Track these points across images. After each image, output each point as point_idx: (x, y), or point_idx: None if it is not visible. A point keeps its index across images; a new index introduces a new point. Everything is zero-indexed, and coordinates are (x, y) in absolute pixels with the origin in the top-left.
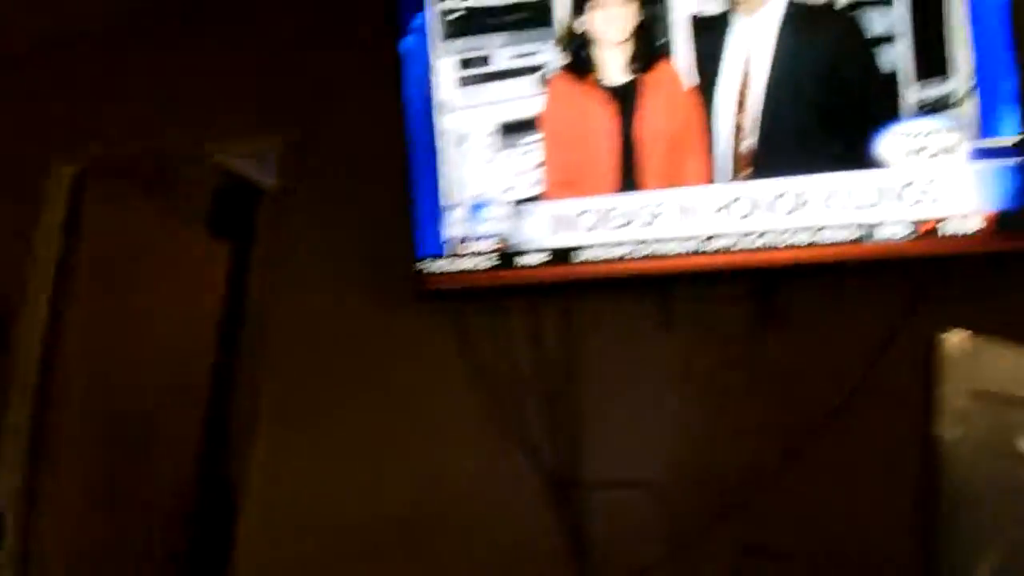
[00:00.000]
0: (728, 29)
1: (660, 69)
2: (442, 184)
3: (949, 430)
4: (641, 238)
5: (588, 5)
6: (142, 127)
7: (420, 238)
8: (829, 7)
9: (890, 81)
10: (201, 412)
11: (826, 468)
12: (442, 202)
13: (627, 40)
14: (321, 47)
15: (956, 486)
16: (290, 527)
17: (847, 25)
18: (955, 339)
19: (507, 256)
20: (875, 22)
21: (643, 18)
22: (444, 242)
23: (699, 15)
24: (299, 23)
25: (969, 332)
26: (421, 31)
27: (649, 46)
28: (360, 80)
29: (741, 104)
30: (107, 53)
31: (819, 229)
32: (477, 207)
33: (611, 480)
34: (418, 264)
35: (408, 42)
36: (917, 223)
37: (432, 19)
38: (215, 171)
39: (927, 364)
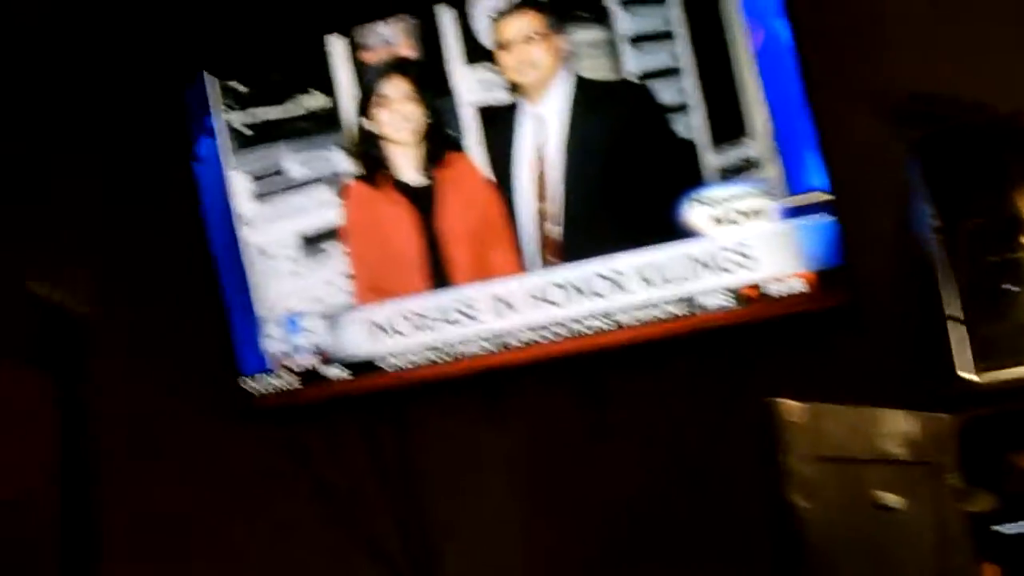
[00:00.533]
0: (517, 116)
1: (455, 163)
2: (254, 298)
3: (801, 497)
4: (460, 337)
5: (373, 105)
6: None
7: (241, 354)
8: (619, 81)
9: (688, 149)
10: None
11: (675, 549)
12: (257, 315)
13: (418, 138)
14: (120, 171)
15: (818, 549)
16: None
17: (639, 96)
18: (790, 406)
19: (328, 367)
20: (666, 91)
21: (430, 114)
22: (265, 357)
23: (486, 105)
24: (97, 152)
25: (801, 402)
26: (212, 147)
27: (440, 141)
28: (159, 199)
29: (541, 189)
30: None
31: (639, 307)
32: (291, 320)
33: None
34: (242, 381)
35: (201, 152)
36: (737, 290)
37: (221, 131)
38: (32, 303)
39: (765, 434)
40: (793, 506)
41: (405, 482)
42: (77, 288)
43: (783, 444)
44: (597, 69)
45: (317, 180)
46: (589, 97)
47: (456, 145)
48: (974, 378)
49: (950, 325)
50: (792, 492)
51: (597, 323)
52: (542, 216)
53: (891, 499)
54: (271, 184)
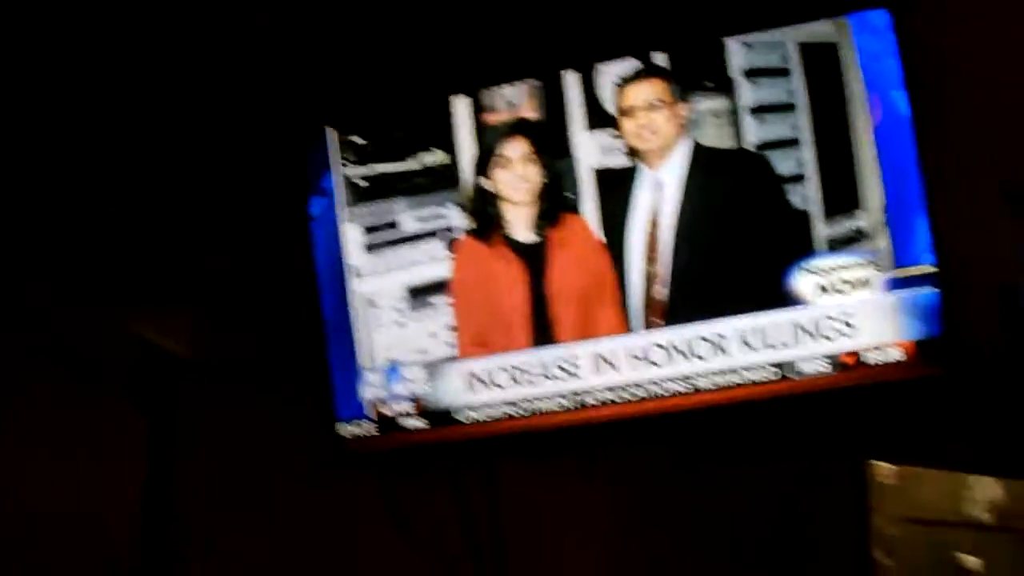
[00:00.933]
0: (635, 180)
1: (568, 224)
2: (358, 346)
3: (886, 556)
4: (560, 391)
5: (492, 165)
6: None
7: (338, 401)
8: (738, 150)
9: (801, 219)
10: None
11: None
12: (358, 365)
13: (533, 198)
14: (231, 215)
15: None
16: None
17: (755, 165)
18: (883, 468)
19: (423, 416)
20: (783, 162)
21: (548, 175)
22: (361, 404)
23: (604, 168)
24: (209, 190)
25: (893, 463)
26: (328, 197)
27: (555, 202)
28: (270, 247)
29: (652, 252)
30: None
31: (738, 370)
32: (392, 369)
33: None
34: (337, 427)
35: (316, 208)
36: (836, 356)
37: (338, 185)
38: (132, 343)
39: (857, 492)
40: (876, 564)
41: (491, 535)
42: (178, 330)
43: (873, 504)
44: (717, 137)
45: (430, 234)
46: (707, 164)
47: (571, 207)
48: None
49: None
50: (877, 550)
51: (695, 384)
52: (651, 279)
53: (973, 562)
54: (383, 236)
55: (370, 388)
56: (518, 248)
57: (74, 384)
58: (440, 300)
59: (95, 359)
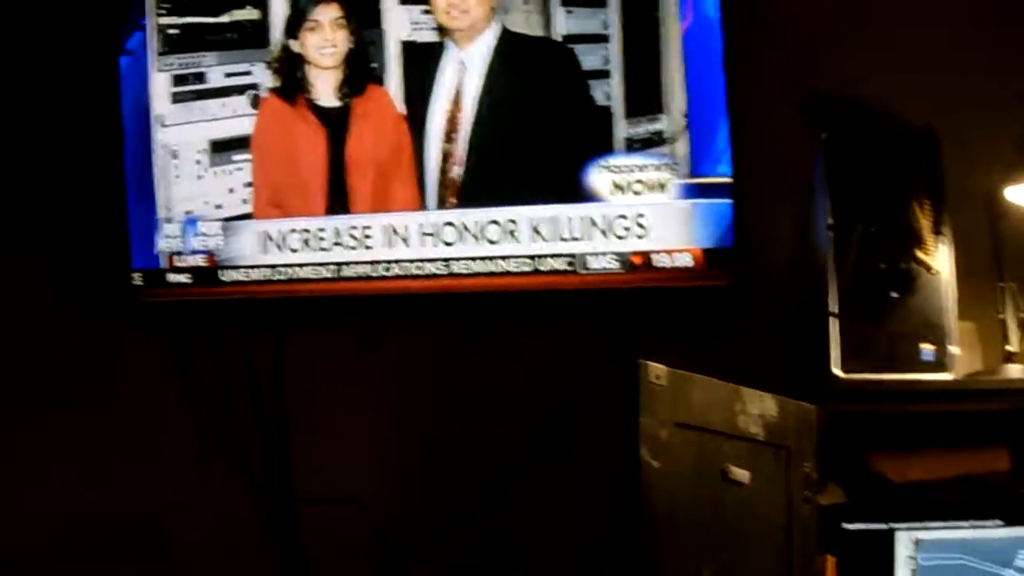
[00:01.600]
0: (441, 57)
1: (372, 94)
2: (157, 198)
3: (653, 458)
4: (350, 260)
5: (303, 28)
6: None
7: (133, 250)
8: (545, 39)
9: (603, 115)
10: None
11: (533, 493)
12: (157, 215)
13: (340, 64)
14: (40, 52)
15: (664, 513)
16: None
17: (561, 56)
18: (656, 369)
19: (217, 271)
20: (590, 57)
21: (356, 43)
22: (157, 255)
23: (412, 42)
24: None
25: (667, 366)
26: (140, 45)
27: (361, 70)
28: (77, 89)
29: (451, 133)
30: None
31: (529, 258)
32: (190, 222)
33: (321, 496)
34: (132, 276)
35: (127, 56)
36: (627, 255)
37: (150, 33)
38: None
39: (628, 392)
40: (643, 464)
41: (274, 393)
42: None
43: (643, 404)
44: (526, 24)
45: (236, 90)
46: (513, 50)
47: (376, 77)
48: (842, 375)
49: (830, 321)
50: (645, 451)
51: (483, 267)
52: (448, 157)
53: (741, 474)
54: (191, 87)
55: (166, 239)
56: (320, 113)
57: None
58: (241, 157)
59: None
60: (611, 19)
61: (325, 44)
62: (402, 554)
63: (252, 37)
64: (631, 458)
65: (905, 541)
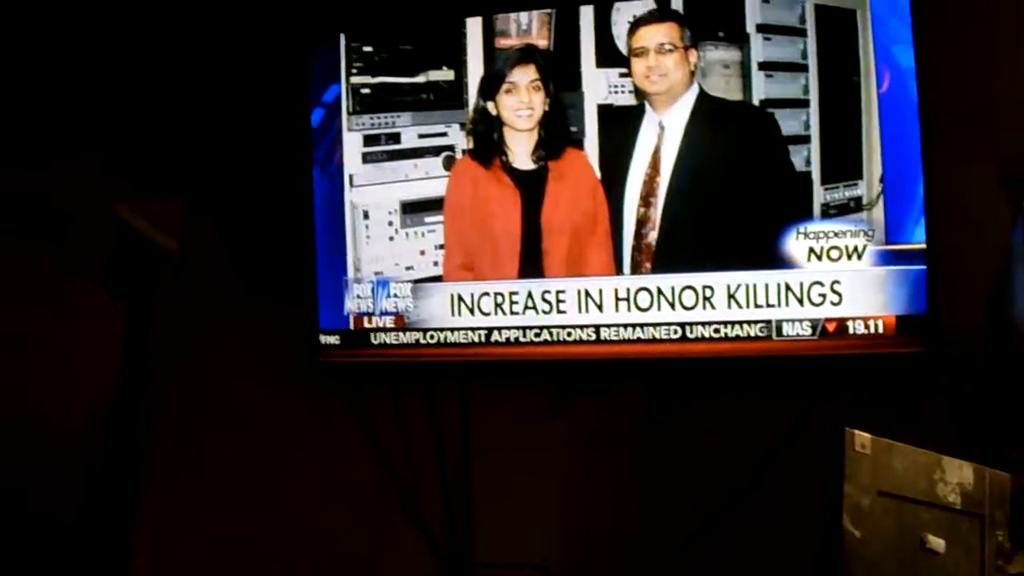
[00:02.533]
0: (639, 121)
1: (569, 157)
2: (347, 257)
3: (855, 526)
4: (543, 324)
5: (499, 90)
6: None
7: (321, 310)
8: (744, 103)
9: (800, 181)
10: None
11: (725, 564)
12: (347, 274)
13: (535, 127)
14: (231, 114)
15: None
16: None
17: (760, 121)
18: (860, 437)
19: (405, 332)
20: (789, 122)
21: (553, 105)
22: (346, 315)
23: (609, 105)
24: (212, 87)
25: (871, 434)
26: (333, 104)
27: (558, 133)
28: (268, 149)
29: (648, 197)
30: None
31: (723, 323)
32: (380, 283)
33: (502, 562)
34: (319, 336)
35: (319, 114)
36: (821, 321)
37: (344, 91)
38: (116, 228)
39: (833, 459)
40: (845, 532)
41: (459, 457)
42: (167, 223)
43: (847, 472)
44: (725, 89)
45: (429, 151)
46: (712, 113)
47: (574, 141)
48: None
49: None
50: (846, 518)
51: (678, 333)
52: (644, 222)
53: (937, 543)
54: (383, 148)
55: (356, 300)
56: (516, 175)
57: (56, 269)
58: (433, 218)
59: (81, 245)
60: (810, 83)
61: (521, 106)
62: None
63: (447, 98)
64: (834, 526)
65: None
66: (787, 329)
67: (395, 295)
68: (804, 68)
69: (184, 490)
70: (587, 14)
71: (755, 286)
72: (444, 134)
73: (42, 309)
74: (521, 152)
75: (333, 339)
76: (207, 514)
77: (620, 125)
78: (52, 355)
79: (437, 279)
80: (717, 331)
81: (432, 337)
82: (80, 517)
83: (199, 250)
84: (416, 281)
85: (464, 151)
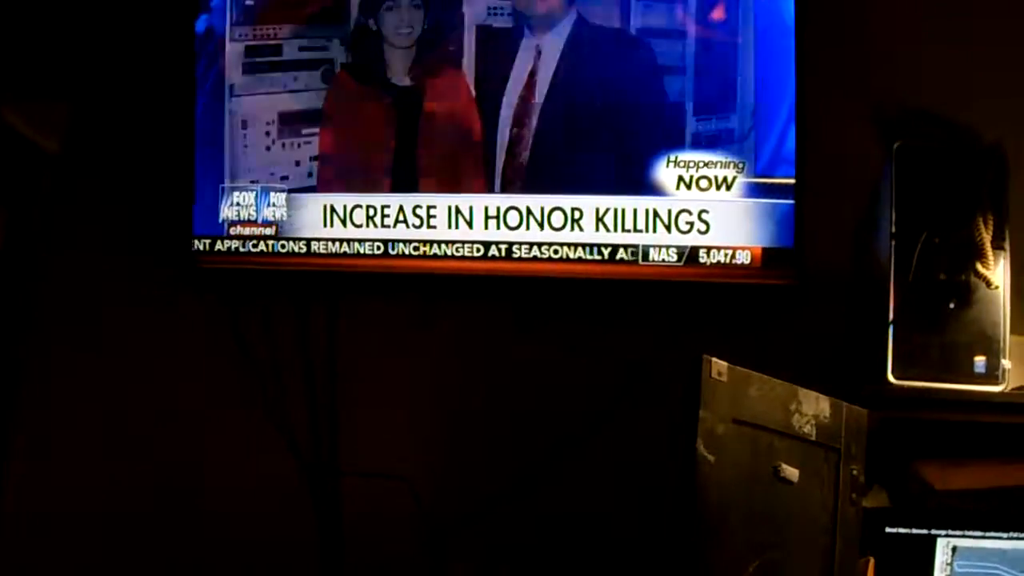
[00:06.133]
0: (518, 44)
1: (446, 75)
2: (225, 165)
3: (709, 452)
4: (412, 238)
5: (381, 7)
6: None
7: (197, 217)
8: (621, 31)
9: (673, 111)
10: None
11: (581, 480)
12: (224, 184)
13: (415, 44)
14: (118, 17)
15: (715, 506)
16: (48, 493)
17: (638, 49)
18: (717, 365)
19: (280, 242)
20: (665, 52)
21: (432, 24)
22: (221, 222)
23: (488, 26)
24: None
25: (727, 363)
26: (219, 12)
27: (437, 51)
28: (152, 55)
29: (522, 118)
30: None
31: (589, 246)
32: (263, 193)
33: (366, 470)
34: (194, 241)
35: (203, 21)
36: (686, 249)
37: (228, 2)
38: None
39: (689, 386)
40: (699, 456)
41: (326, 367)
42: (50, 125)
43: (704, 398)
44: (603, 16)
45: (310, 64)
46: (589, 39)
47: (452, 60)
48: (895, 382)
49: (887, 328)
50: (701, 444)
51: (546, 253)
52: (516, 142)
53: (791, 472)
54: (265, 59)
55: (233, 207)
56: (392, 91)
57: None
58: (310, 130)
59: None
60: (687, 15)
61: (401, 24)
62: (443, 531)
63: (330, 13)
64: (688, 451)
65: (944, 548)
66: (653, 254)
67: (273, 204)
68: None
69: (55, 396)
70: None
71: (623, 211)
72: (325, 48)
73: None
74: (398, 69)
75: (207, 245)
76: (78, 419)
77: (498, 46)
78: None
79: (311, 189)
80: (586, 253)
81: (304, 246)
82: None
83: (80, 153)
84: (291, 191)
85: (343, 65)
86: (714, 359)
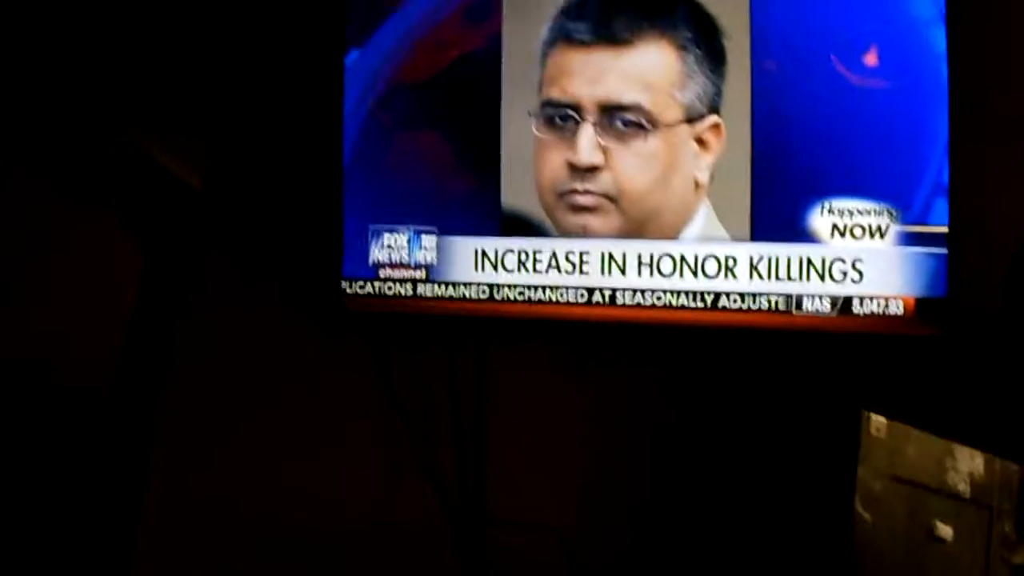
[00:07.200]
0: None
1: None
2: (376, 205)
3: (866, 510)
4: (566, 284)
5: None
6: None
7: (346, 257)
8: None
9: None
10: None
11: (735, 537)
12: (373, 224)
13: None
14: (263, 53)
15: (872, 566)
16: (188, 537)
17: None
18: (876, 421)
19: (429, 284)
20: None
21: None
22: (371, 263)
23: None
24: (245, 24)
25: (886, 418)
26: (369, 46)
27: None
28: (300, 90)
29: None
30: None
31: (743, 295)
32: (415, 235)
33: (515, 520)
34: (343, 283)
35: (353, 56)
36: (839, 298)
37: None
38: (136, 160)
39: (849, 443)
40: (857, 515)
41: (476, 414)
42: (190, 158)
43: (862, 454)
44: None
45: None
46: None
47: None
48: None
49: None
50: (859, 502)
51: (699, 302)
52: None
53: (946, 531)
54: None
55: (385, 249)
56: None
57: (73, 205)
58: None
59: (99, 178)
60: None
61: None
62: None
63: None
64: (846, 509)
65: None
66: (807, 304)
67: (425, 248)
68: None
69: (196, 438)
70: None
71: (778, 259)
72: None
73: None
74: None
75: (358, 288)
76: (220, 462)
77: None
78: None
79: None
80: (737, 302)
81: (456, 292)
82: (92, 465)
83: (221, 189)
84: (444, 233)
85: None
86: (873, 415)
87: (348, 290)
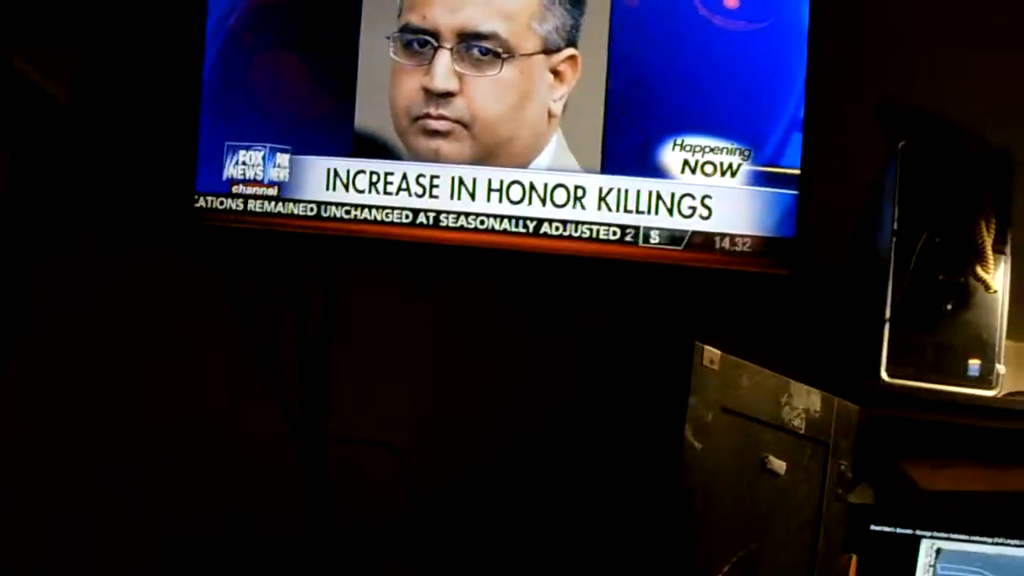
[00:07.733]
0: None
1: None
2: (233, 122)
3: (697, 439)
4: (415, 207)
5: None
6: None
7: (200, 172)
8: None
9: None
10: None
11: (569, 458)
12: (229, 141)
13: None
14: None
15: (701, 494)
16: (39, 448)
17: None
18: (710, 352)
19: (283, 203)
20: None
21: None
22: (226, 179)
23: None
24: None
25: (720, 351)
26: None
27: None
28: (165, 6)
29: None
30: None
31: (591, 224)
32: (271, 153)
33: (356, 436)
34: (196, 197)
35: None
36: (687, 233)
37: None
38: (2, 73)
39: (681, 373)
40: (686, 443)
41: (323, 330)
42: (58, 72)
43: (694, 385)
44: None
45: None
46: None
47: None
48: (888, 379)
49: (883, 326)
50: (689, 430)
51: (544, 229)
52: None
53: (778, 465)
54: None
55: (240, 166)
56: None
57: None
58: None
59: None
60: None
61: None
62: (429, 501)
63: None
64: (675, 436)
65: (927, 549)
66: (653, 236)
67: (279, 165)
68: None
69: (51, 348)
70: None
71: (627, 191)
72: None
73: None
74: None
75: (210, 202)
76: (73, 372)
77: None
78: None
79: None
80: (584, 231)
81: (308, 210)
82: None
83: (88, 105)
84: (296, 152)
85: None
86: (706, 346)
87: (202, 204)
